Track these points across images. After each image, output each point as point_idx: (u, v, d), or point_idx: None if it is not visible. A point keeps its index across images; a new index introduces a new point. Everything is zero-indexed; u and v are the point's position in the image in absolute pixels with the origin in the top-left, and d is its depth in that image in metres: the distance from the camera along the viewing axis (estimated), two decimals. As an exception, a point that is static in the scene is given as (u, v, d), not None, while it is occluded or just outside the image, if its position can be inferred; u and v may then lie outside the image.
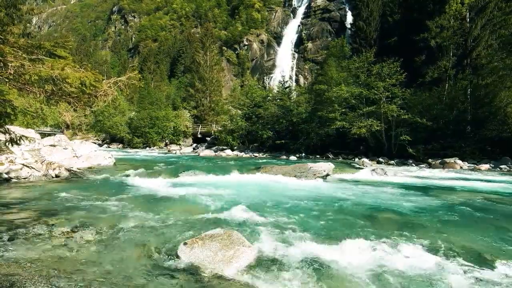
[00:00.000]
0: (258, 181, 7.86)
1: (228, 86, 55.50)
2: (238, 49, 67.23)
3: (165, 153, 23.15)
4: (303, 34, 64.29)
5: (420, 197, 5.89)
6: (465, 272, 2.47)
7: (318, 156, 18.63)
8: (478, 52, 16.49)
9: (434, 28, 17.53)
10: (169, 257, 2.68)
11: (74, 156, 9.31)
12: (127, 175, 8.11)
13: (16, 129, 7.58)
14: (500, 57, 14.99)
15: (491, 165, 12.09)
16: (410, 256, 2.77)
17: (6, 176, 6.60)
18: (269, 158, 18.59)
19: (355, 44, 25.02)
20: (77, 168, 8.48)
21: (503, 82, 14.43)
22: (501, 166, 11.62)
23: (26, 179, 6.88)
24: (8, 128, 3.93)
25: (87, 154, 10.00)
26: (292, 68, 62.84)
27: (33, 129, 17.40)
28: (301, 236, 3.33)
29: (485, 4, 16.47)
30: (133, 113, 36.58)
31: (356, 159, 15.53)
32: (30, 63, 2.76)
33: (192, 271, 2.39)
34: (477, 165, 12.27)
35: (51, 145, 9.15)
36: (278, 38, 68.67)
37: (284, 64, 63.22)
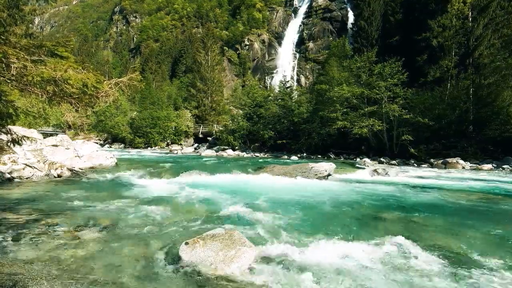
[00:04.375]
0: (259, 181, 7.86)
1: (230, 86, 55.53)
2: (240, 49, 67.25)
3: (167, 153, 23.20)
4: (305, 34, 64.24)
5: (422, 198, 5.87)
6: (466, 272, 2.46)
7: (319, 156, 18.62)
8: (480, 51, 16.41)
9: (436, 27, 17.47)
10: (171, 256, 2.69)
11: (76, 156, 9.34)
12: (129, 175, 8.14)
13: (19, 129, 7.63)
14: (503, 56, 14.91)
15: (493, 165, 12.02)
16: (411, 256, 2.76)
17: (8, 176, 6.64)
18: (271, 158, 18.59)
19: (357, 43, 24.98)
20: (79, 168, 8.52)
21: (506, 81, 14.35)
22: (504, 166, 11.55)
23: (29, 179, 6.91)
24: (10, 129, 3.96)
25: (89, 154, 10.03)
26: (293, 68, 62.81)
27: (36, 129, 17.47)
28: (303, 236, 3.33)
29: (488, 3, 16.39)
30: (135, 113, 36.68)
31: (358, 159, 15.50)
32: (32, 64, 2.77)
33: (193, 270, 2.39)
34: (479, 165, 12.20)
35: (53, 145, 9.19)
36: (279, 38, 68.65)
37: (286, 64, 63.20)
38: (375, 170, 9.73)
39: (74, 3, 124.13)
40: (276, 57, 66.16)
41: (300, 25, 67.26)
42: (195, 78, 39.85)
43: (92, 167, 9.31)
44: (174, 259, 2.62)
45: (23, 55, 2.75)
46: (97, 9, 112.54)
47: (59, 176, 7.58)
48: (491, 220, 4.28)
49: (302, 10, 70.13)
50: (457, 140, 14.71)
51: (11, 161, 6.89)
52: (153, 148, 31.22)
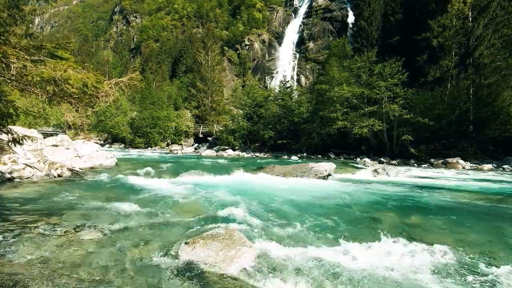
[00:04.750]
0: (259, 181, 7.86)
1: (230, 86, 55.50)
2: (240, 49, 67.22)
3: (167, 153, 23.20)
4: (305, 34, 64.22)
5: (422, 197, 5.87)
6: (466, 272, 2.46)
7: (319, 156, 18.61)
8: (480, 51, 16.40)
9: (436, 27, 17.47)
10: (171, 256, 2.69)
11: (76, 156, 9.35)
12: (129, 175, 8.14)
13: (19, 129, 7.64)
14: (503, 56, 14.90)
15: (493, 165, 12.01)
16: (411, 256, 2.76)
17: (9, 176, 6.64)
18: (271, 158, 18.59)
19: (357, 43, 24.98)
20: (79, 168, 8.52)
21: (506, 81, 14.34)
22: (504, 166, 11.54)
23: (29, 179, 6.92)
24: (10, 129, 3.96)
25: (89, 154, 10.04)
26: (293, 68, 62.78)
27: (36, 129, 17.48)
28: (303, 236, 3.33)
29: (488, 3, 16.37)
30: (135, 113, 36.68)
31: (358, 159, 15.50)
32: (32, 64, 2.77)
33: (193, 270, 2.39)
34: (479, 165, 12.19)
35: (53, 145, 9.20)
36: (279, 38, 68.63)
37: (286, 64, 63.17)
38: (375, 170, 9.73)
39: (74, 3, 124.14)
40: (276, 57, 66.12)
41: (300, 25, 67.23)
42: (195, 78, 39.85)
43: (92, 167, 9.31)
44: (174, 259, 2.62)
45: (23, 55, 2.75)
46: (97, 9, 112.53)
47: (59, 176, 7.59)
48: (493, 220, 4.27)
49: (302, 10, 70.10)
50: (457, 140, 14.70)
51: (11, 161, 6.89)
52: (153, 148, 31.21)
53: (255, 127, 24.61)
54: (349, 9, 60.43)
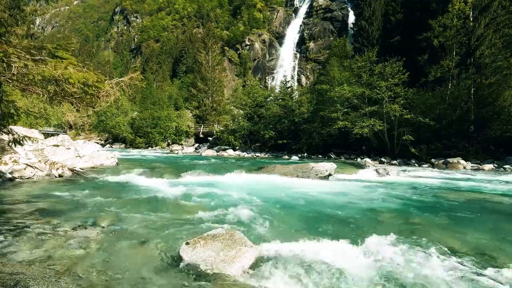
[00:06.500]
0: (260, 181, 7.85)
1: (230, 86, 55.53)
2: (240, 49, 67.30)
3: (167, 153, 23.22)
4: (305, 34, 64.25)
5: (423, 198, 5.86)
6: (466, 272, 2.45)
7: (320, 156, 18.60)
8: (481, 51, 16.35)
9: (437, 27, 17.42)
10: (171, 257, 2.68)
11: (77, 156, 9.36)
12: (129, 175, 8.14)
13: (20, 129, 7.65)
14: (504, 56, 14.86)
15: (494, 165, 11.98)
16: (411, 256, 2.75)
17: (10, 175, 6.65)
18: (271, 158, 18.59)
19: (358, 43, 24.97)
20: (80, 168, 8.53)
21: (507, 81, 14.30)
22: (505, 166, 11.51)
23: (30, 179, 6.93)
24: (11, 129, 3.97)
25: (90, 154, 10.06)
26: (294, 68, 62.81)
27: (37, 129, 17.52)
28: (304, 236, 3.32)
29: (489, 3, 16.33)
30: (136, 113, 36.74)
31: (359, 159, 15.48)
32: (33, 63, 2.78)
33: (194, 271, 2.39)
34: (480, 165, 12.17)
35: (54, 145, 9.22)
36: (280, 38, 68.69)
37: (286, 64, 63.20)
38: (376, 170, 9.71)
39: (75, 3, 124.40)
40: (276, 57, 66.19)
41: (301, 25, 67.26)
42: (195, 78, 39.89)
43: (93, 167, 9.32)
44: (175, 259, 2.62)
45: (24, 54, 2.75)
46: (98, 9, 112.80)
47: (60, 176, 7.60)
48: (494, 220, 4.26)
49: (303, 10, 70.14)
50: (458, 140, 14.66)
51: (13, 161, 6.90)
52: (154, 148, 31.26)
53: (256, 127, 24.61)
54: (349, 9, 60.46)
